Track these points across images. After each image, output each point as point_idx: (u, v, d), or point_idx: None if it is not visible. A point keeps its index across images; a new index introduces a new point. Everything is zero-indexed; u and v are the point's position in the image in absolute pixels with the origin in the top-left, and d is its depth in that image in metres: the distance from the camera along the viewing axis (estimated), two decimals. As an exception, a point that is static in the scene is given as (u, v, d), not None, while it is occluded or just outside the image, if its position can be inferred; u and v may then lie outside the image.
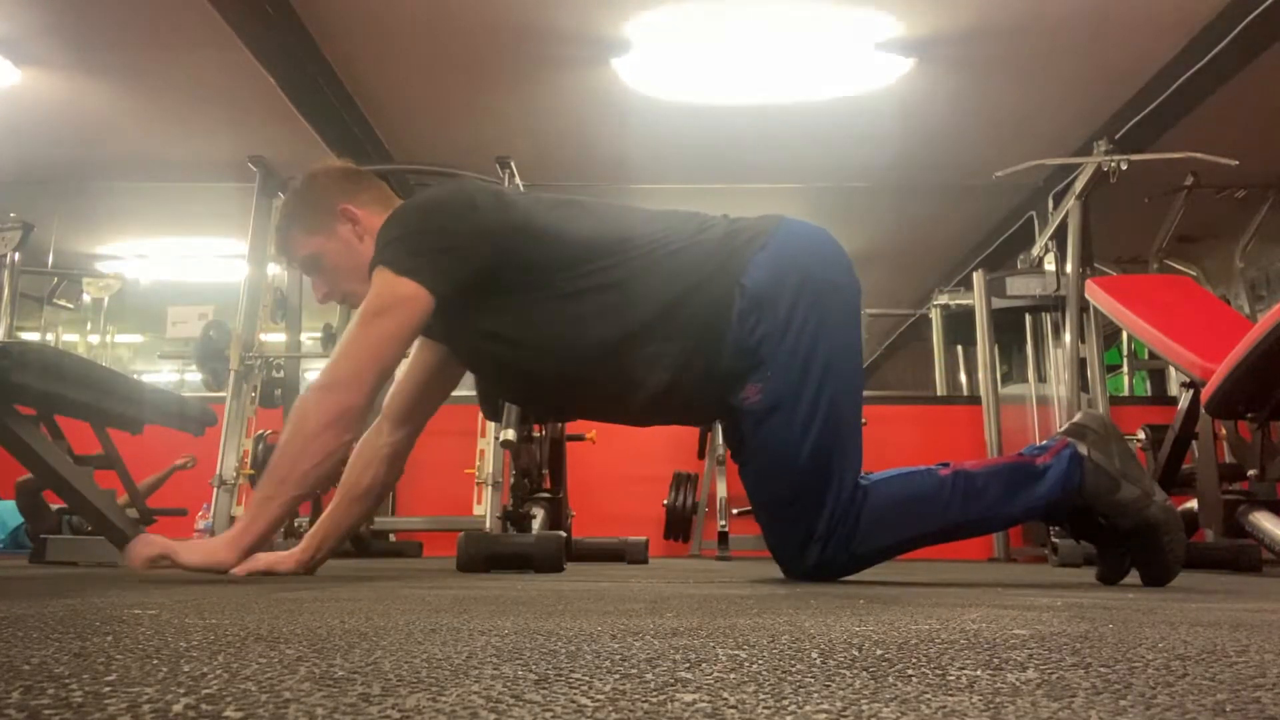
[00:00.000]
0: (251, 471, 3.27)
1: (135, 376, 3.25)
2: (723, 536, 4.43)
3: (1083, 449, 1.59)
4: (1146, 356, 6.11)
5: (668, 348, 1.56)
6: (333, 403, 1.47)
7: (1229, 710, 0.42)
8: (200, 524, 4.22)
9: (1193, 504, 2.66)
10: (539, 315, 1.58)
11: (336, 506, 1.78)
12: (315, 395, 1.48)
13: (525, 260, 1.57)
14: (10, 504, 3.95)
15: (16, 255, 4.90)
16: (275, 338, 3.99)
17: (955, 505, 1.58)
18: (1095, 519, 1.60)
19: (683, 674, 0.51)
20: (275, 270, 3.63)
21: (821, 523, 1.58)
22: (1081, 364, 4.55)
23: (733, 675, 0.50)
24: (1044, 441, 1.66)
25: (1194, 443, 2.82)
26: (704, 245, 1.59)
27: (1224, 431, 2.62)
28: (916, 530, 1.61)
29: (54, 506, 3.34)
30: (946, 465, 1.63)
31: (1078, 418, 1.66)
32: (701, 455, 4.96)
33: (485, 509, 3.04)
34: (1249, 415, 2.39)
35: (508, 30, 4.44)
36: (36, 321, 6.65)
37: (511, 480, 3.07)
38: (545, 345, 1.60)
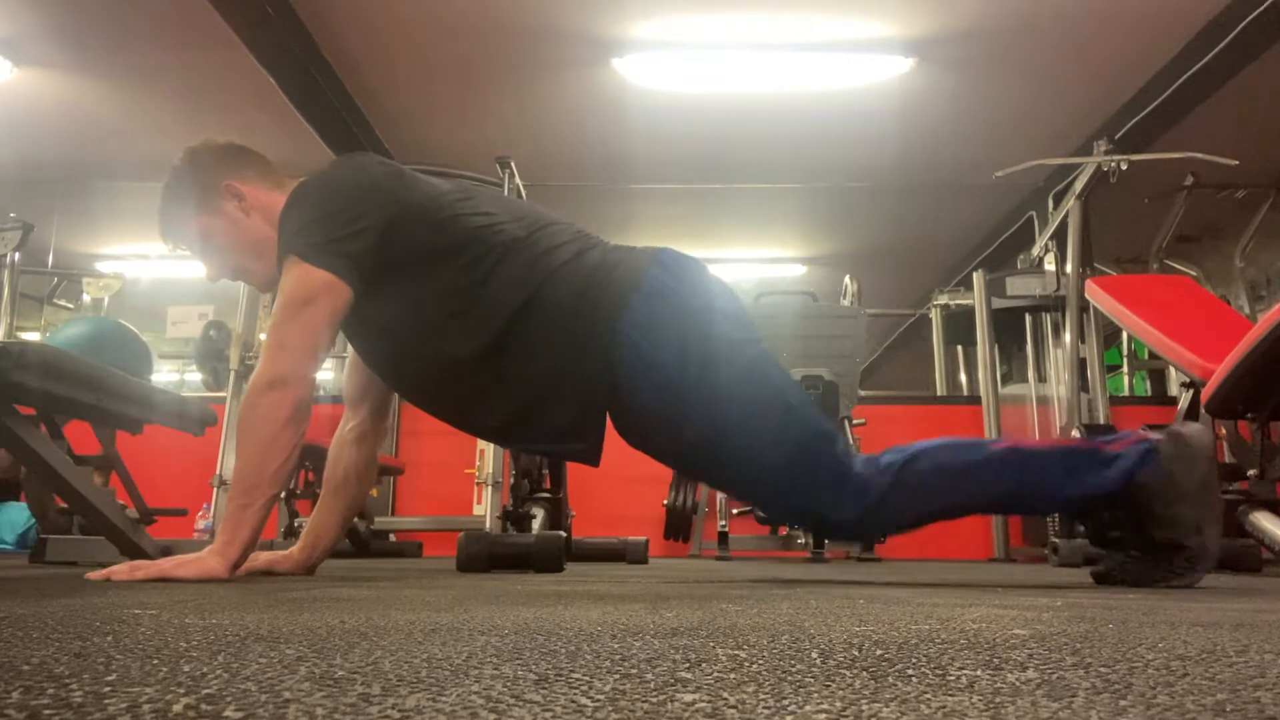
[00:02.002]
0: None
1: (149, 380, 3.24)
2: (723, 536, 4.43)
3: (1165, 450, 1.55)
4: (1146, 356, 6.11)
5: (537, 367, 1.55)
6: (283, 399, 1.46)
7: (1229, 710, 0.42)
8: (200, 524, 4.22)
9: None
10: (417, 302, 1.56)
11: (323, 500, 1.79)
12: (264, 396, 1.47)
13: (415, 244, 1.54)
14: (18, 505, 3.94)
15: (16, 255, 4.90)
16: (275, 338, 3.98)
17: (1004, 480, 1.56)
18: (1129, 521, 1.57)
19: (683, 674, 0.51)
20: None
21: (830, 498, 1.56)
22: (1081, 364, 4.55)
23: (733, 675, 0.50)
24: (1121, 432, 1.65)
25: (1194, 443, 2.81)
26: (583, 268, 1.55)
27: (1224, 431, 2.62)
28: (958, 499, 1.58)
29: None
30: (1001, 440, 1.63)
31: (1184, 428, 1.60)
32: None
33: (485, 509, 3.04)
34: (1249, 415, 2.39)
35: (507, 30, 4.45)
36: (36, 321, 6.65)
37: (511, 480, 3.08)
38: (418, 335, 1.57)
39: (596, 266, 1.56)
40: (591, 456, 1.62)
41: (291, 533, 3.60)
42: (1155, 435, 1.58)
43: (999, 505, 1.61)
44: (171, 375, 8.34)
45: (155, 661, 0.53)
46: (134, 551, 1.95)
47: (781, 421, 1.56)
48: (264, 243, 1.63)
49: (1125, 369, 6.31)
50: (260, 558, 1.68)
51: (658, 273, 1.57)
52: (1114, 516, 1.63)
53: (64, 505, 3.15)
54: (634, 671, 0.51)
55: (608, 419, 1.61)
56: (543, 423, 1.59)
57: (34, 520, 3.79)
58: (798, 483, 1.57)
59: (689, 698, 0.44)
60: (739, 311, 1.63)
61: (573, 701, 0.42)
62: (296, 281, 1.49)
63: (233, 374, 3.48)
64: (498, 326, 1.53)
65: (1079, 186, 4.55)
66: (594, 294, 1.53)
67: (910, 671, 0.52)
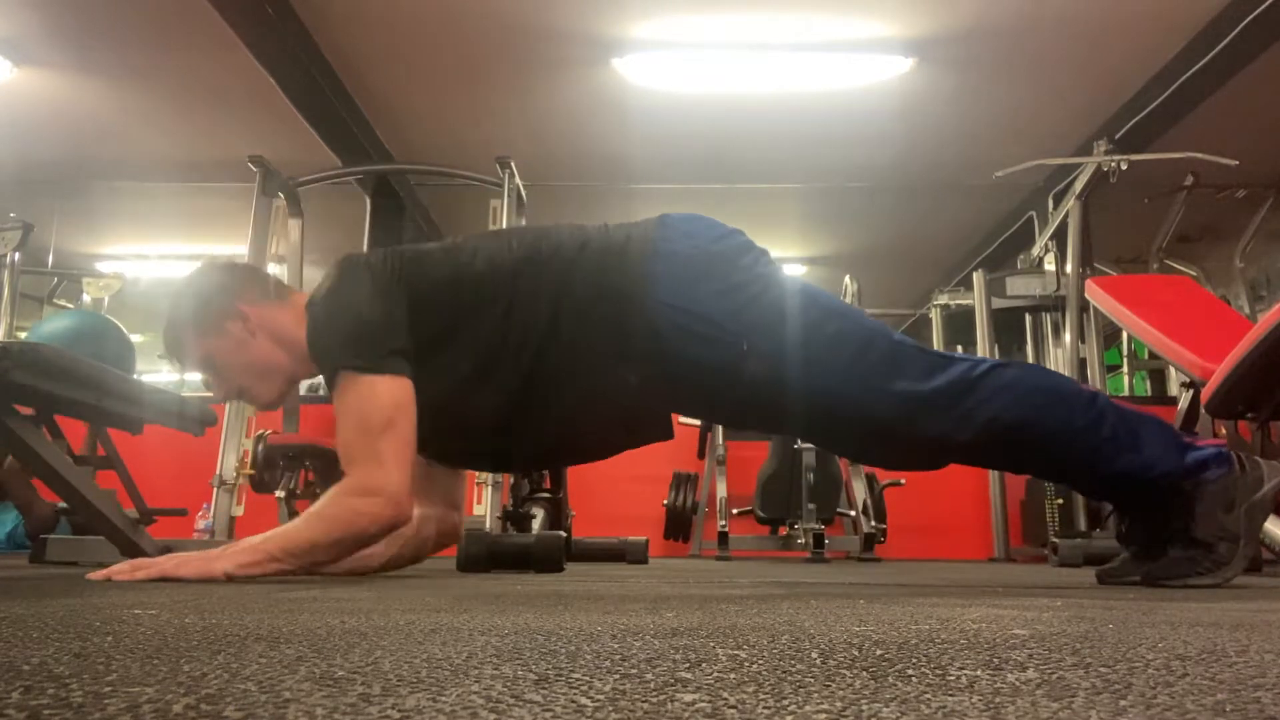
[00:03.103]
0: (251, 471, 3.27)
1: (135, 376, 3.24)
2: (723, 536, 4.43)
3: (1237, 463, 1.57)
4: (1146, 356, 6.12)
5: (585, 369, 1.55)
6: (392, 517, 1.49)
7: (1229, 710, 0.42)
8: (200, 524, 4.22)
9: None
10: (451, 372, 1.56)
11: None
12: (369, 502, 1.47)
13: (437, 315, 1.56)
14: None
15: (16, 255, 4.90)
16: (275, 338, 3.98)
17: (1086, 417, 1.52)
18: (1173, 519, 1.57)
19: (683, 674, 0.51)
20: (275, 270, 3.63)
21: (913, 388, 1.50)
22: (1081, 364, 4.56)
23: (733, 675, 0.50)
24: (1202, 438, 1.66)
25: (1194, 443, 2.81)
26: (594, 259, 1.56)
27: (1224, 431, 2.62)
28: (1034, 415, 1.52)
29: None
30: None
31: (1262, 459, 1.62)
32: (701, 455, 4.96)
33: (485, 509, 3.03)
34: (1249, 415, 2.39)
35: (508, 30, 4.45)
36: (36, 321, 6.65)
37: (511, 480, 3.07)
38: (463, 401, 1.57)
39: (606, 251, 1.57)
40: (666, 430, 1.64)
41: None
42: (1230, 450, 1.60)
43: (1060, 447, 1.54)
44: (171, 375, 8.33)
45: (155, 661, 0.53)
46: (134, 551, 1.95)
47: (839, 324, 1.55)
48: (270, 363, 1.65)
49: (1125, 369, 6.31)
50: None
51: (668, 234, 1.58)
52: (1156, 507, 1.61)
53: (51, 502, 3.15)
54: (634, 671, 0.51)
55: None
56: (617, 423, 1.60)
57: (20, 519, 3.79)
58: (876, 379, 1.51)
59: (689, 698, 0.44)
60: (753, 246, 1.63)
61: (573, 701, 0.42)
62: (367, 395, 1.49)
63: (233, 374, 3.48)
64: (531, 354, 1.54)
65: (1079, 186, 4.55)
66: (614, 277, 1.54)
67: (910, 671, 0.52)
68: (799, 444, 4.27)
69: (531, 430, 1.62)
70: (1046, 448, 1.56)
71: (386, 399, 1.49)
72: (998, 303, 5.07)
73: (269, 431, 3.43)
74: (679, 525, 4.82)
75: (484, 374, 1.56)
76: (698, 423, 4.47)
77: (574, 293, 1.54)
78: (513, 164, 3.49)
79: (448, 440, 1.67)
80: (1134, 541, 1.68)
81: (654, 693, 0.45)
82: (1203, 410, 2.60)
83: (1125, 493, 1.65)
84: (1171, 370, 5.25)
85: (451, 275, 1.58)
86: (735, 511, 4.61)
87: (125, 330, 4.75)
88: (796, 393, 1.54)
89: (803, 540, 4.14)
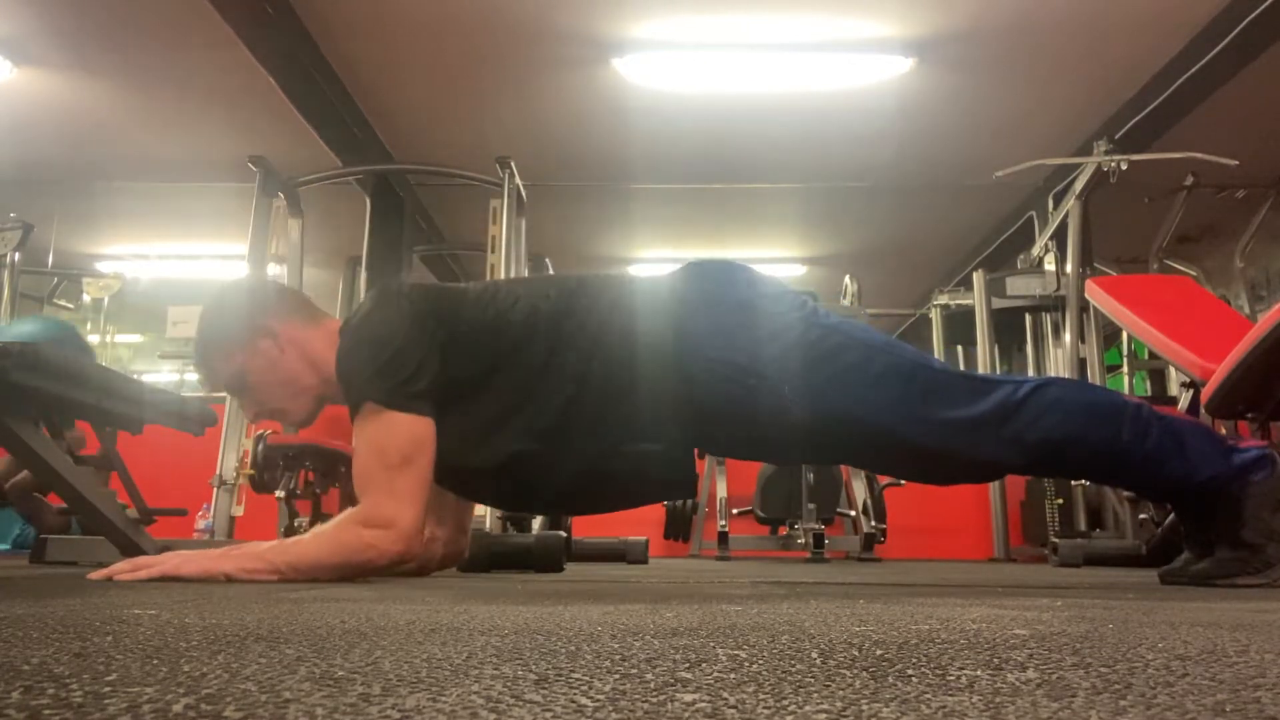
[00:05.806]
0: (251, 471, 3.27)
1: (135, 376, 3.24)
2: (723, 536, 4.43)
3: None
4: (1146, 356, 6.11)
5: (617, 422, 1.54)
6: (400, 553, 1.47)
7: (1229, 710, 0.42)
8: (200, 524, 4.22)
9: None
10: (479, 413, 1.55)
11: None
12: (391, 541, 1.46)
13: (473, 359, 1.56)
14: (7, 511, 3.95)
15: (16, 255, 4.90)
16: (275, 338, 3.97)
17: (1132, 430, 1.54)
18: (1221, 521, 1.58)
19: (683, 674, 0.51)
20: (275, 271, 3.63)
21: (958, 413, 1.51)
22: (1081, 364, 4.56)
23: (733, 675, 0.50)
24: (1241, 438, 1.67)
25: (1194, 443, 2.81)
26: (627, 314, 1.56)
27: (1224, 431, 2.61)
28: (1079, 432, 1.54)
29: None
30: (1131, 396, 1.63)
31: None
32: (702, 455, 4.96)
33: (485, 509, 3.03)
34: (1249, 415, 2.39)
35: (508, 30, 4.45)
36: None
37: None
38: (489, 444, 1.55)
39: (639, 308, 1.58)
40: (690, 489, 1.64)
41: (291, 532, 3.60)
42: (1274, 451, 1.62)
43: (1108, 460, 1.57)
44: (171, 375, 8.34)
45: (155, 661, 0.53)
46: (134, 551, 1.95)
47: (882, 360, 1.55)
48: (300, 381, 1.64)
49: (1125, 369, 6.30)
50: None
51: (696, 285, 1.59)
52: (1207, 509, 1.62)
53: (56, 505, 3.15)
54: (634, 671, 0.51)
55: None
56: (642, 475, 1.59)
57: (24, 525, 3.80)
58: (921, 411, 1.52)
59: (689, 698, 0.44)
60: (788, 290, 1.63)
61: (573, 701, 0.42)
62: (388, 429, 1.49)
63: (233, 374, 3.48)
64: (564, 399, 1.53)
65: (1079, 186, 4.55)
66: (648, 335, 1.55)
67: (910, 671, 0.52)
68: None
69: (554, 475, 1.60)
70: (1094, 461, 1.60)
71: (407, 435, 1.49)
72: (998, 303, 5.07)
73: (269, 431, 3.43)
74: (679, 525, 4.83)
75: (513, 419, 1.55)
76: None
77: (609, 348, 1.54)
78: (513, 164, 3.49)
79: (468, 479, 1.65)
80: (1194, 543, 1.69)
81: (654, 693, 0.45)
82: (1203, 410, 2.60)
83: (1177, 496, 1.68)
84: (1171, 370, 5.25)
85: (493, 322, 1.57)
86: (735, 511, 4.61)
87: (84, 334, 4.76)
88: (844, 431, 1.55)
89: (803, 540, 4.14)
